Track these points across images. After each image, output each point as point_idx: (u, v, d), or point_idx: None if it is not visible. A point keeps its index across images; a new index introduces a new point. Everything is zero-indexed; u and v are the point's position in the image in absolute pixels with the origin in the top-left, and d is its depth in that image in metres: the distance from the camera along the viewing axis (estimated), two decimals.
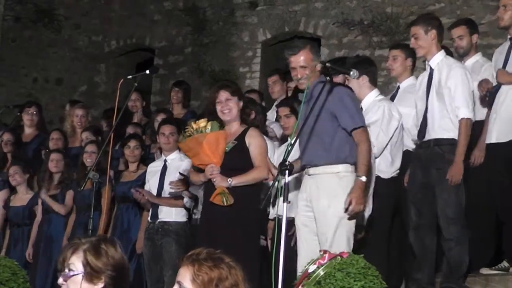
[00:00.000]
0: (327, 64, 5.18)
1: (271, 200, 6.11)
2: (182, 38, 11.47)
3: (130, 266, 6.23)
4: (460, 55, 6.68)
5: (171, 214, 6.87)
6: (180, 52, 11.48)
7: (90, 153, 7.51)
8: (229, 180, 5.63)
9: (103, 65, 12.27)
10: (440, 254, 5.90)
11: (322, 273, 4.33)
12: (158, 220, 6.87)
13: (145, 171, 7.23)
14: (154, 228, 6.87)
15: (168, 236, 6.79)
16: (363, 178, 5.18)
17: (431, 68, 5.94)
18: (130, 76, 6.12)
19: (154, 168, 7.11)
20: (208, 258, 3.06)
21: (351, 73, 5.16)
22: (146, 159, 7.57)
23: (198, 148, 5.73)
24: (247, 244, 5.54)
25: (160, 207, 6.90)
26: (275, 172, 5.21)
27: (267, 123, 7.13)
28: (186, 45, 11.43)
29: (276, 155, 6.44)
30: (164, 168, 6.99)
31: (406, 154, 6.21)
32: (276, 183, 4.79)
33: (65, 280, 3.29)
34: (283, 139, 6.84)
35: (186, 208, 6.86)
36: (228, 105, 5.82)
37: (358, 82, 5.95)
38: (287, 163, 4.54)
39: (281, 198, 4.54)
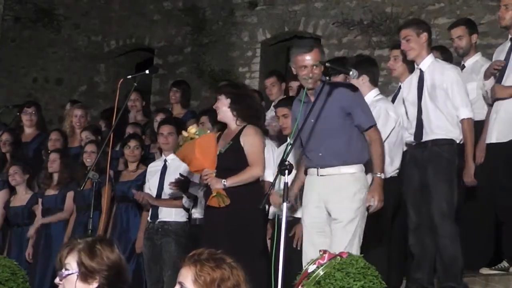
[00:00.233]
0: (326, 64, 5.17)
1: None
2: (182, 38, 11.46)
3: (129, 266, 6.24)
4: (460, 55, 6.69)
5: (170, 214, 6.88)
6: (179, 52, 11.48)
7: (89, 153, 7.50)
8: (223, 181, 5.64)
9: (103, 65, 12.26)
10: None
11: (321, 273, 4.33)
12: (158, 220, 6.87)
13: (145, 171, 7.23)
14: (153, 228, 6.88)
15: (167, 236, 6.79)
16: (382, 175, 5.24)
17: (421, 70, 5.95)
18: (129, 76, 6.13)
19: (154, 168, 7.12)
20: (210, 258, 3.06)
21: (351, 73, 5.16)
22: (146, 159, 7.57)
23: (191, 155, 5.78)
24: (247, 244, 5.54)
25: (160, 207, 6.91)
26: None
27: (269, 120, 7.13)
28: (185, 45, 11.42)
29: (276, 154, 6.44)
30: (164, 168, 7.00)
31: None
32: (276, 182, 4.78)
33: (61, 280, 3.33)
34: (280, 139, 6.85)
35: (185, 208, 6.87)
36: (217, 106, 5.85)
37: (358, 82, 5.95)
38: (286, 163, 4.52)
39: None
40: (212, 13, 11.17)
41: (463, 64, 6.62)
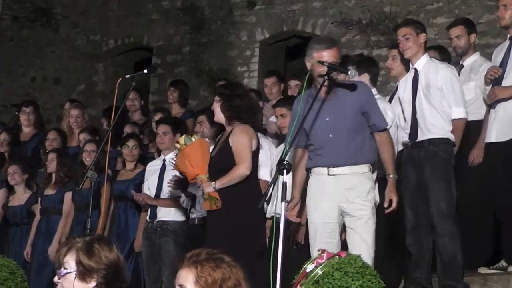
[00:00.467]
0: (325, 63, 5.15)
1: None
2: (180, 37, 11.45)
3: (128, 265, 6.24)
4: (458, 55, 6.69)
5: (169, 213, 6.88)
6: (178, 51, 11.47)
7: (89, 152, 7.49)
8: (213, 184, 5.64)
9: (101, 64, 12.25)
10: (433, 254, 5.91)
11: (320, 272, 4.33)
12: (157, 220, 6.87)
13: (143, 170, 7.24)
14: (152, 228, 6.88)
15: (166, 235, 6.79)
16: (395, 176, 5.31)
17: (416, 70, 5.95)
18: (128, 75, 6.13)
19: (153, 167, 7.11)
20: (209, 258, 3.06)
21: (349, 72, 5.16)
22: (144, 158, 7.57)
23: (184, 167, 5.84)
24: (247, 244, 5.52)
25: (158, 206, 6.90)
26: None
27: (271, 119, 7.12)
28: (184, 44, 11.41)
29: (275, 153, 6.44)
30: (163, 167, 7.00)
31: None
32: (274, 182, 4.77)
33: (59, 278, 3.34)
34: (278, 138, 6.85)
35: (183, 208, 6.86)
36: (213, 107, 5.87)
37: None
38: (285, 162, 4.51)
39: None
40: (211, 13, 11.16)
41: (462, 64, 6.62)
